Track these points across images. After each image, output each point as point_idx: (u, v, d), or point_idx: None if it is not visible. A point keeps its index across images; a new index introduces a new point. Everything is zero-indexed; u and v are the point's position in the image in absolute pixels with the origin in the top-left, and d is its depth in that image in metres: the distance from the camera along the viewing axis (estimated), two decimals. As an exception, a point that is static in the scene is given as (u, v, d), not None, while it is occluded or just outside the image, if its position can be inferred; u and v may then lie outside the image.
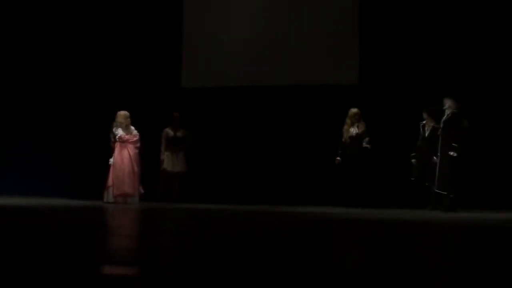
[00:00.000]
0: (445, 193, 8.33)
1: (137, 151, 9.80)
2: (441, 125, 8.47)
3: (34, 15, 11.88)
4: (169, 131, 10.31)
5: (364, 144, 9.43)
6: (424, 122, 9.30)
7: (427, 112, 9.19)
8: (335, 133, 10.12)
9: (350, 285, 2.26)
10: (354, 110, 9.62)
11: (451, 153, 8.22)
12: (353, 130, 9.55)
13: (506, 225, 6.01)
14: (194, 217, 6.93)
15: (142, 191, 9.73)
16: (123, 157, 9.64)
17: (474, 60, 9.95)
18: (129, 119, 9.85)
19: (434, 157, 8.71)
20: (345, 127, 9.60)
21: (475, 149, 9.44)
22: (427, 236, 4.99)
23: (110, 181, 9.60)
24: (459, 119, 8.33)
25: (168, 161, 10.21)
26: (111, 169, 9.63)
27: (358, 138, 9.49)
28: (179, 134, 10.33)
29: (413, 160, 9.33)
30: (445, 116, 8.47)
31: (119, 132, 9.73)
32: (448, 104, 8.45)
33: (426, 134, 9.20)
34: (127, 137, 9.74)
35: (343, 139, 9.59)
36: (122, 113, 9.85)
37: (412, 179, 9.29)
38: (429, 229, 5.72)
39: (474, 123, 9.10)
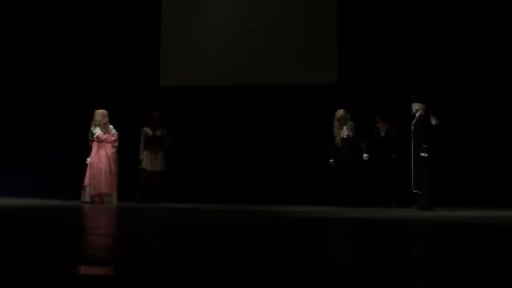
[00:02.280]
0: (420, 192, 8.47)
1: (115, 150, 9.73)
2: (412, 127, 8.67)
3: (14, 16, 11.73)
4: (147, 130, 10.27)
5: (364, 156, 9.46)
6: (378, 125, 9.79)
7: (379, 117, 9.77)
8: (314, 132, 10.17)
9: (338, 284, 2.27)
10: (341, 112, 9.59)
11: (422, 154, 8.43)
12: (345, 132, 9.57)
13: (482, 223, 6.08)
14: (172, 216, 6.90)
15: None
16: (100, 156, 9.57)
17: (452, 60, 10.07)
18: (107, 118, 9.78)
19: (393, 155, 9.47)
20: (335, 130, 9.57)
21: (451, 147, 9.57)
22: (407, 234, 5.04)
23: (87, 181, 9.52)
24: (427, 120, 8.52)
25: (147, 160, 10.17)
26: (88, 168, 9.56)
27: (350, 139, 9.54)
28: (157, 133, 10.29)
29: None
30: (415, 120, 8.68)
31: (97, 131, 9.66)
32: (415, 108, 8.71)
33: (382, 135, 9.74)
34: (104, 136, 9.68)
35: (335, 142, 9.56)
36: (100, 112, 9.78)
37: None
38: (408, 227, 5.77)
39: (451, 122, 9.24)
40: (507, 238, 4.53)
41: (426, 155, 8.43)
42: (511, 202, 9.06)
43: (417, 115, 8.69)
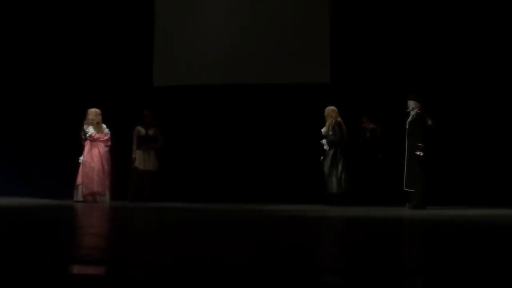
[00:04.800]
0: (413, 191, 8.49)
1: (107, 149, 9.73)
2: (407, 126, 8.71)
3: (10, 17, 11.67)
4: (140, 129, 10.25)
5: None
6: (363, 125, 9.89)
7: (365, 116, 9.86)
8: (307, 131, 10.18)
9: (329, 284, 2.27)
10: (326, 109, 9.64)
11: (418, 152, 8.45)
12: (323, 129, 9.62)
13: (475, 221, 6.10)
14: (165, 215, 6.89)
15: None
16: (93, 155, 9.56)
17: (447, 58, 10.10)
18: (100, 116, 9.77)
19: (379, 155, 9.57)
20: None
21: (443, 147, 9.59)
22: (402, 233, 5.04)
23: (79, 180, 9.50)
24: (423, 119, 8.55)
25: (140, 160, 10.16)
26: (81, 167, 9.53)
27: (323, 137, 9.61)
28: (150, 132, 10.27)
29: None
30: (410, 118, 8.71)
31: (90, 130, 9.64)
32: (411, 106, 8.71)
33: (367, 135, 9.82)
34: (97, 135, 9.66)
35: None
36: (93, 110, 9.77)
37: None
38: (402, 226, 5.79)
39: (443, 122, 9.27)
40: (501, 237, 4.54)
41: (421, 154, 8.44)
42: (504, 200, 9.09)
43: (412, 113, 8.70)
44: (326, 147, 9.46)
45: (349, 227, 5.40)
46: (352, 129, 9.88)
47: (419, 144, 8.46)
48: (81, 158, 9.58)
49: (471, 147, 9.90)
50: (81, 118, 9.78)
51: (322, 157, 9.55)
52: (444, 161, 9.64)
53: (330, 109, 9.57)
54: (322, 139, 9.54)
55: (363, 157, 9.72)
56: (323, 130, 9.56)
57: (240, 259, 2.89)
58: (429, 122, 8.56)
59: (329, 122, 9.51)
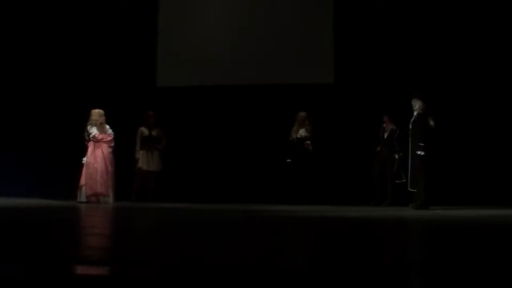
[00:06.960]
0: (416, 191, 8.49)
1: (111, 150, 9.73)
2: (410, 126, 8.69)
3: (13, 16, 11.70)
4: (144, 130, 10.28)
5: (306, 146, 9.88)
6: (384, 125, 9.81)
7: (388, 115, 9.75)
8: (312, 132, 10.21)
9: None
10: (303, 114, 9.99)
11: (419, 152, 8.45)
12: (302, 132, 9.94)
13: (478, 222, 6.10)
14: (168, 216, 6.91)
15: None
16: (96, 156, 9.57)
17: (449, 58, 10.09)
18: (103, 117, 9.78)
19: (396, 155, 9.49)
20: (294, 128, 10.01)
21: (446, 147, 9.60)
22: (403, 233, 5.05)
23: (83, 181, 9.51)
24: (425, 120, 8.55)
25: (143, 160, 10.18)
26: (84, 168, 9.55)
27: (304, 139, 9.92)
28: (154, 133, 10.30)
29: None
30: (413, 118, 8.69)
31: (94, 131, 9.66)
32: (417, 105, 8.67)
33: (385, 136, 9.76)
34: (101, 136, 9.67)
35: (290, 138, 9.98)
36: (97, 111, 9.78)
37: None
38: (404, 226, 5.79)
39: (448, 121, 9.28)
40: (503, 237, 4.54)
41: (422, 153, 8.44)
42: (506, 201, 9.09)
43: (415, 113, 8.70)
44: (310, 147, 9.87)
45: (349, 227, 5.41)
46: (352, 130, 10.07)
47: (421, 144, 8.46)
48: (84, 159, 9.60)
49: (474, 148, 9.90)
50: (85, 119, 9.80)
51: (289, 160, 9.94)
52: (447, 161, 9.64)
53: (305, 114, 9.93)
54: (300, 142, 9.89)
55: (380, 157, 9.71)
56: (305, 134, 9.92)
57: (240, 259, 2.91)
58: (431, 123, 8.55)
59: (309, 126, 9.92)
